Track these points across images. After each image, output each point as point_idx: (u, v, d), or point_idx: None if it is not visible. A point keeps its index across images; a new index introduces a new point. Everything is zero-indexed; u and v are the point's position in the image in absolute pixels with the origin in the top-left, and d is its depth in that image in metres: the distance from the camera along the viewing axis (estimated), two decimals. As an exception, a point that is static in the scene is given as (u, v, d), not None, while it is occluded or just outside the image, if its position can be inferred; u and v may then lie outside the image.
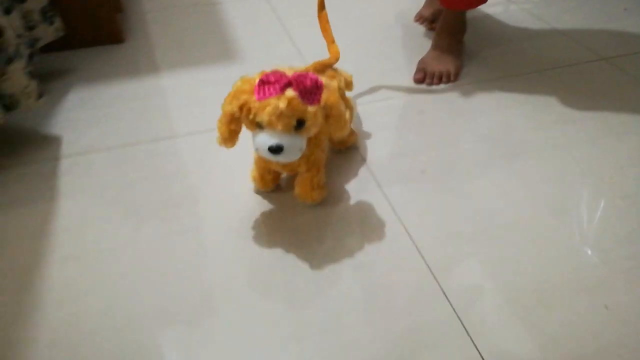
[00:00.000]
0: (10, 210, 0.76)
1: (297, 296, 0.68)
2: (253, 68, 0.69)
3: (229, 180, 0.85)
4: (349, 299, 0.67)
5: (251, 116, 0.65)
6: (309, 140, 0.71)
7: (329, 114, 0.68)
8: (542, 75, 1.10)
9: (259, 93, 0.64)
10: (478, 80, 1.09)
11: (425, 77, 1.08)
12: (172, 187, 0.83)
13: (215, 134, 0.69)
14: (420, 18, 1.32)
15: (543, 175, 0.85)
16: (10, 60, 0.82)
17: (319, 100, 0.66)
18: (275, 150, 0.65)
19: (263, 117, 0.64)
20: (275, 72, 0.65)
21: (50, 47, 1.12)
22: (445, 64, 1.09)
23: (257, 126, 0.66)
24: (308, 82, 0.64)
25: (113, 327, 0.64)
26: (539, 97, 1.03)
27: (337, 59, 0.85)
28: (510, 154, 0.90)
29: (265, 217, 0.79)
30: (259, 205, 0.81)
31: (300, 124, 0.65)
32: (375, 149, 0.91)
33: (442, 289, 0.68)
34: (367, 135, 0.95)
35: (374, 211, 0.79)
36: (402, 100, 1.04)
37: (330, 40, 0.88)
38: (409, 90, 1.07)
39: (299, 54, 1.18)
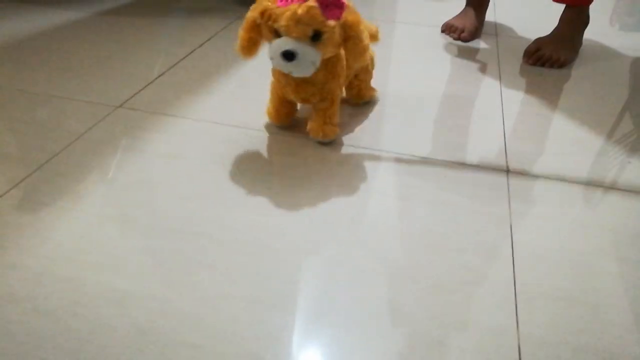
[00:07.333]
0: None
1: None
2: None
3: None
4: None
5: (270, 22, 0.66)
6: (325, 65, 0.72)
7: (348, 35, 0.68)
8: None
9: (281, 0, 0.66)
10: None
11: (535, 53, 1.12)
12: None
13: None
14: (449, 28, 1.28)
15: None
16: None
17: (339, 17, 0.67)
18: (288, 55, 0.66)
19: (281, 22, 0.65)
20: (300, -16, 0.67)
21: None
22: (559, 53, 1.12)
23: (275, 34, 0.67)
24: (331, -4, 0.65)
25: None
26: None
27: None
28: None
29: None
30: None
31: (317, 36, 0.66)
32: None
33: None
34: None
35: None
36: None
37: None
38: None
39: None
